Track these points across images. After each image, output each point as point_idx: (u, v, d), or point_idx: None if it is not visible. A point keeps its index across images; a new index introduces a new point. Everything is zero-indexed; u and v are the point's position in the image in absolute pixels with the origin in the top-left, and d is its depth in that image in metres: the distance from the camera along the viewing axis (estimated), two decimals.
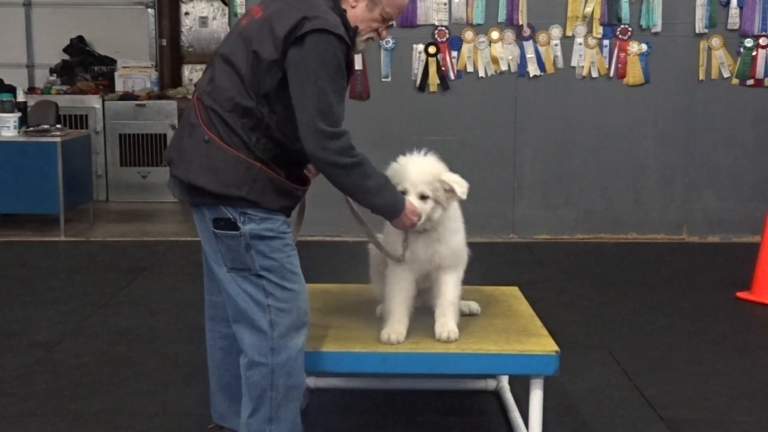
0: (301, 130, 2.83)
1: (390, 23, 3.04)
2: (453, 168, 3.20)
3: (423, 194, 3.08)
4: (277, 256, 2.92)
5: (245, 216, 2.88)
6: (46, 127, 7.58)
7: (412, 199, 3.05)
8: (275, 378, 2.93)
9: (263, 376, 2.93)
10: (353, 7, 2.96)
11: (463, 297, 3.42)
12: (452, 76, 7.37)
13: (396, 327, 3.17)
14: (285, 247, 2.95)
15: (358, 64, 7.04)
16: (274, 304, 2.91)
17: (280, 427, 2.96)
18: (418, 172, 3.09)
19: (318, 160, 2.86)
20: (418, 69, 7.36)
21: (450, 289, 3.19)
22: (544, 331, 3.28)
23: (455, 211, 3.24)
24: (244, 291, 2.92)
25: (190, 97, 9.76)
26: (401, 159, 3.18)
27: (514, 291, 3.88)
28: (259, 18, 2.91)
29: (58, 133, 7.48)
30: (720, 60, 7.33)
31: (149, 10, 10.88)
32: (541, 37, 7.32)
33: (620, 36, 7.31)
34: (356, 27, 2.96)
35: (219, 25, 11.48)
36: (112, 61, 10.35)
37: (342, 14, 2.93)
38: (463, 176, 3.15)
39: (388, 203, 2.97)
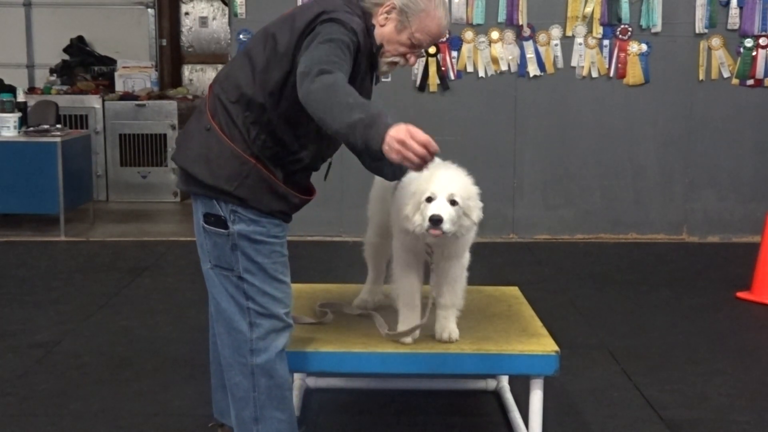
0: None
1: (419, 50, 2.93)
2: None
3: (453, 199, 2.87)
4: (261, 260, 2.86)
5: (235, 215, 2.83)
6: (46, 127, 7.57)
7: (440, 204, 2.84)
8: (256, 379, 2.89)
9: (244, 377, 2.90)
10: (382, 25, 2.86)
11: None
12: (452, 76, 7.37)
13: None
14: (272, 254, 2.88)
15: None
16: (254, 308, 2.87)
17: (267, 426, 2.92)
18: (448, 176, 2.92)
19: (304, 94, 2.55)
20: (418, 69, 7.36)
21: (451, 290, 3.16)
22: (544, 331, 3.27)
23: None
24: (225, 290, 2.89)
25: (190, 97, 9.87)
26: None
27: (514, 291, 3.88)
28: (286, 14, 2.90)
29: (58, 133, 7.47)
30: (720, 60, 7.33)
31: (149, 10, 10.87)
32: (541, 37, 7.32)
33: (620, 36, 7.31)
34: (381, 45, 2.87)
35: (219, 25, 11.48)
36: (112, 61, 10.34)
37: (368, 28, 2.85)
38: None
39: (375, 115, 2.45)
